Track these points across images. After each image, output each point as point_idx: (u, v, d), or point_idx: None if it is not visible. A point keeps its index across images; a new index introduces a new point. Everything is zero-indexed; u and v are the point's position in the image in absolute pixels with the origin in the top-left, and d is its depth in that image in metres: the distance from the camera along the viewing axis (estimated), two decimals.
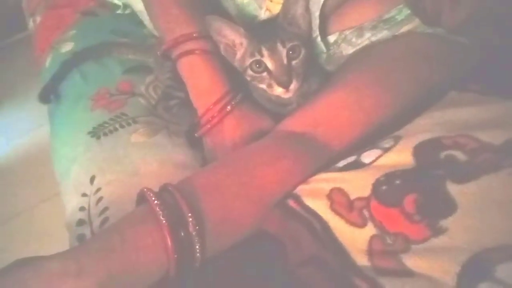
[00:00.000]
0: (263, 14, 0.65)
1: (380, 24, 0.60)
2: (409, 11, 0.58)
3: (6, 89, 2.13)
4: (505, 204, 0.38)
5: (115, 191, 0.59)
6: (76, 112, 0.72)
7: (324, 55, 0.65)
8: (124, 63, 0.78)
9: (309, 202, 0.48)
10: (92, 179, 0.61)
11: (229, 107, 0.59)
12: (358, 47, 0.62)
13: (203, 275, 0.46)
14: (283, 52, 0.56)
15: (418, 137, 0.47)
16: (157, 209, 0.42)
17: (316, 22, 0.61)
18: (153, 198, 0.43)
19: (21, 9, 1.17)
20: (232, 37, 0.59)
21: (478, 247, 0.37)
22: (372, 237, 0.42)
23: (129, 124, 0.67)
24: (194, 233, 0.42)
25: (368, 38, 0.61)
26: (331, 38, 0.65)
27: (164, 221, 0.41)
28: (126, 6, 0.92)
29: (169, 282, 0.43)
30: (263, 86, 0.59)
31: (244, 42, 0.59)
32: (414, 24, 0.58)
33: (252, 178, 0.50)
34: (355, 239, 0.43)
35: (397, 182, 0.44)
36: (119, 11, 0.92)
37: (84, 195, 0.60)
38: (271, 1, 0.64)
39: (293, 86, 0.56)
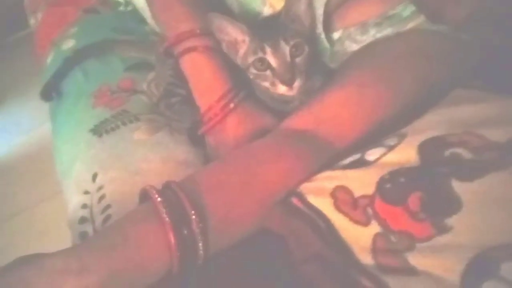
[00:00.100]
0: (266, 11, 0.65)
1: (385, 21, 0.60)
2: (414, 8, 0.57)
3: (7, 87, 2.12)
4: (510, 203, 0.38)
5: (118, 189, 0.58)
6: (77, 109, 0.72)
7: (328, 52, 0.65)
8: (125, 60, 0.78)
9: (313, 200, 0.48)
10: (94, 177, 0.61)
11: (232, 105, 0.59)
12: (362, 44, 0.62)
13: (205, 273, 0.46)
14: (286, 49, 0.56)
15: (422, 135, 0.47)
16: (160, 206, 0.42)
17: (320, 19, 0.61)
18: (156, 196, 0.43)
19: (22, 6, 1.17)
20: (234, 34, 0.59)
21: (482, 245, 0.37)
22: (376, 235, 0.42)
23: (131, 122, 0.67)
24: (197, 231, 0.42)
25: (372, 35, 0.61)
26: (335, 35, 0.64)
27: (167, 219, 0.41)
28: (128, 3, 0.92)
29: (171, 280, 0.43)
30: (266, 84, 0.58)
31: (247, 39, 0.59)
32: (419, 21, 0.58)
33: (254, 176, 0.50)
34: (359, 237, 0.43)
35: (402, 180, 0.44)
36: (121, 8, 0.92)
37: (86, 192, 0.60)
38: None
39: (296, 84, 0.56)
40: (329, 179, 0.50)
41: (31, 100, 1.79)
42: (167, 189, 0.45)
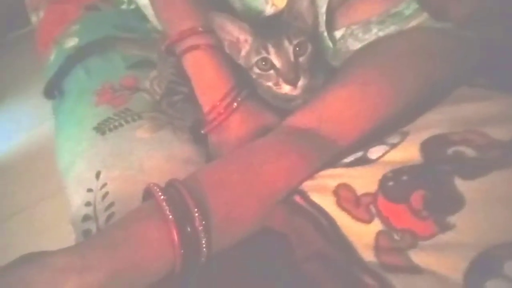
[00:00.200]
0: (269, 9, 0.65)
1: (387, 19, 0.60)
2: (417, 6, 0.57)
3: (7, 86, 2.12)
4: None
5: (121, 187, 0.59)
6: (80, 107, 0.72)
7: (330, 50, 0.65)
8: (127, 58, 0.78)
9: (315, 198, 0.48)
10: (97, 175, 0.61)
11: (235, 104, 0.59)
12: (364, 43, 0.62)
13: (208, 271, 0.46)
14: (290, 48, 0.55)
15: (425, 133, 0.47)
16: (164, 204, 0.42)
17: (322, 16, 0.61)
18: (160, 194, 0.43)
19: (23, 4, 1.16)
20: (236, 33, 0.59)
21: (486, 244, 0.36)
22: (379, 233, 0.42)
23: (134, 120, 0.67)
24: (200, 228, 0.42)
25: (375, 33, 0.61)
26: (338, 33, 0.64)
27: (170, 216, 0.41)
28: (131, 1, 0.92)
29: (174, 278, 0.43)
30: (270, 83, 0.58)
31: (249, 39, 0.59)
32: (421, 19, 0.57)
33: (257, 175, 0.50)
34: (362, 235, 0.43)
35: (404, 178, 0.44)
36: (123, 6, 0.92)
37: (89, 190, 0.60)
38: None
39: (300, 83, 0.56)
40: (331, 177, 0.50)
41: (31, 98, 1.79)
42: (170, 187, 0.46)
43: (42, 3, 1.03)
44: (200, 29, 0.60)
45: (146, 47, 0.80)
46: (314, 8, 0.59)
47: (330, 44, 0.64)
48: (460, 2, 0.49)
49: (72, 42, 0.84)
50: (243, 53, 0.60)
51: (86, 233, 0.56)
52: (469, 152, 0.43)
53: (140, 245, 0.41)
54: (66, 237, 0.59)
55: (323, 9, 0.60)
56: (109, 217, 0.56)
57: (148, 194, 0.46)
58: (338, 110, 0.56)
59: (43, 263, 0.37)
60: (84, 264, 0.37)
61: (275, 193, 0.50)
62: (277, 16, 0.61)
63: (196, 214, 0.42)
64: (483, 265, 0.35)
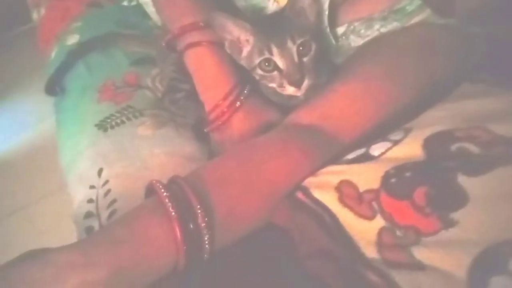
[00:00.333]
0: (271, 6, 0.64)
1: (390, 15, 0.60)
2: (419, 2, 0.57)
3: (8, 83, 2.12)
4: None
5: (123, 184, 0.59)
6: (82, 104, 0.72)
7: (333, 47, 0.65)
8: (129, 55, 0.78)
9: (318, 195, 0.48)
10: (100, 172, 0.61)
11: (238, 103, 0.58)
12: (367, 39, 0.61)
13: (210, 268, 0.46)
14: (294, 49, 0.54)
15: (428, 129, 0.47)
16: (167, 201, 0.42)
17: (325, 13, 0.61)
18: (162, 190, 0.43)
19: (25, 1, 1.16)
20: (237, 33, 0.58)
21: (489, 240, 0.36)
22: (382, 230, 0.42)
23: (136, 117, 0.67)
24: (203, 225, 0.42)
25: (377, 29, 0.60)
26: (340, 30, 0.64)
27: (173, 213, 0.41)
28: None
29: (177, 275, 0.43)
30: (273, 85, 0.57)
31: (251, 39, 0.58)
32: (424, 15, 0.57)
33: (259, 171, 0.50)
34: (364, 231, 0.43)
35: (407, 174, 0.44)
36: (125, 3, 0.92)
37: (92, 187, 0.60)
38: None
39: (305, 84, 0.55)
40: (334, 174, 0.50)
41: (33, 95, 1.79)
42: (173, 184, 0.45)
43: (43, 0, 1.02)
44: (201, 24, 0.59)
45: (148, 44, 0.80)
46: (317, 4, 0.59)
47: (333, 41, 0.63)
48: None
49: (73, 39, 0.83)
50: (244, 53, 0.59)
51: (89, 230, 0.56)
52: (472, 148, 0.42)
53: (142, 242, 0.40)
54: (67, 234, 0.59)
55: (325, 5, 0.60)
56: (111, 214, 0.56)
57: (150, 191, 0.46)
58: (340, 107, 0.56)
59: (45, 260, 0.37)
60: (87, 261, 0.37)
61: (278, 190, 0.50)
62: (279, 13, 0.60)
63: (199, 211, 0.42)
64: (487, 261, 0.35)
